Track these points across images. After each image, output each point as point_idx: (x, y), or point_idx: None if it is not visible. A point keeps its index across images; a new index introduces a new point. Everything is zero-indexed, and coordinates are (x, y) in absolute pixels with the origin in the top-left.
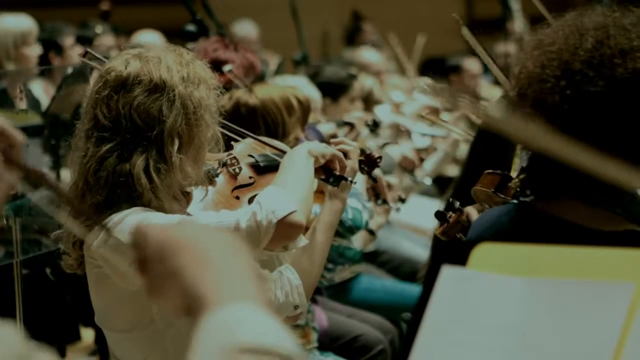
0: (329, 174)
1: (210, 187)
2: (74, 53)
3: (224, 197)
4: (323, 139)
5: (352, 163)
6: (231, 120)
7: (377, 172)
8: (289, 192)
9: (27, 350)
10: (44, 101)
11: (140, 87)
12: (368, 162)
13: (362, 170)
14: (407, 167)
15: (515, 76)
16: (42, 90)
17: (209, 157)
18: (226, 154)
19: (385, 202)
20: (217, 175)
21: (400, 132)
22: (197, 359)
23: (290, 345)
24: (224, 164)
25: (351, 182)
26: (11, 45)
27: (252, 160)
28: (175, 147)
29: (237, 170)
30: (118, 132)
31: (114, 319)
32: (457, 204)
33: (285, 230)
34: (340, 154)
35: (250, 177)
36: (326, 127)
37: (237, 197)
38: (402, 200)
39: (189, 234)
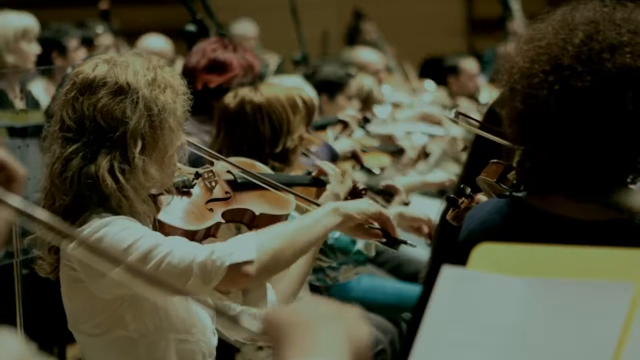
0: (388, 238)
1: (184, 197)
2: (78, 55)
3: (197, 208)
4: (337, 157)
5: (332, 187)
6: (236, 119)
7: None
8: (263, 240)
9: (27, 356)
10: (46, 101)
11: (105, 89)
12: (353, 194)
13: (346, 200)
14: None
15: (507, 71)
16: (43, 90)
17: (186, 170)
18: (204, 167)
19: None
20: (192, 187)
21: (388, 140)
22: None
23: None
24: (199, 176)
25: (412, 245)
26: (12, 38)
27: (230, 176)
28: (138, 148)
29: (213, 184)
30: (83, 133)
31: (86, 322)
32: (469, 190)
33: (235, 277)
34: (387, 213)
35: (226, 192)
36: (343, 144)
37: (211, 209)
38: (406, 205)
39: (301, 312)
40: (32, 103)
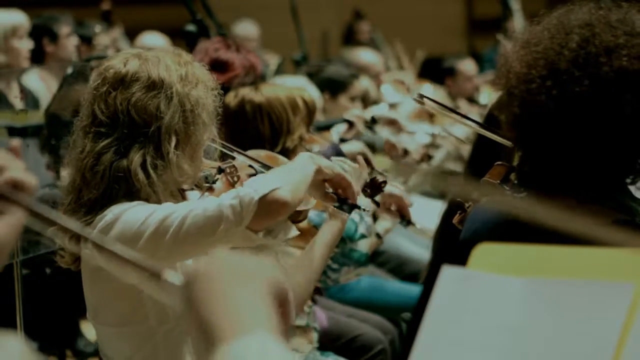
0: (341, 202)
1: (206, 193)
2: (69, 42)
3: None
4: (344, 157)
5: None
6: (236, 118)
7: (395, 190)
8: (276, 176)
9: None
10: (42, 90)
11: (138, 84)
12: (372, 186)
13: (365, 193)
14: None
15: (504, 76)
16: (39, 80)
17: (207, 164)
18: (226, 162)
19: (410, 223)
20: (214, 182)
21: (398, 130)
22: None
23: None
24: (222, 171)
25: (364, 210)
26: (1, 36)
27: (251, 170)
28: (173, 144)
29: (235, 179)
30: (115, 127)
31: (107, 313)
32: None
33: (269, 207)
34: (349, 179)
35: None
36: (351, 146)
37: None
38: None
39: (209, 263)
40: (32, 103)
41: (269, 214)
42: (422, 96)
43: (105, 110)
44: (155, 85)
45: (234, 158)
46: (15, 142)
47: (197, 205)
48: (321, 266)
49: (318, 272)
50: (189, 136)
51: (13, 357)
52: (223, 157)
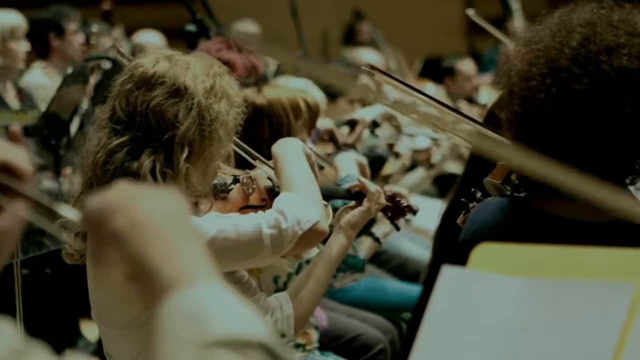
0: None
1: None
2: (76, 39)
3: (230, 212)
4: (319, 135)
5: (368, 204)
6: None
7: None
8: (307, 197)
9: (24, 347)
10: (47, 84)
11: (161, 88)
12: (394, 209)
13: (385, 214)
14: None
15: (505, 74)
16: (41, 73)
17: (224, 170)
18: (244, 171)
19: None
20: (227, 192)
21: (397, 129)
22: (168, 351)
23: (264, 333)
24: (238, 181)
25: (325, 205)
26: None
27: (269, 184)
28: (184, 155)
29: (251, 190)
30: (131, 128)
31: (112, 314)
32: (479, 194)
33: (309, 240)
34: (316, 170)
35: (262, 200)
36: (321, 123)
37: None
38: (414, 212)
39: (127, 195)
40: (30, 104)
41: (307, 245)
42: (372, 67)
43: (124, 107)
44: (178, 93)
45: (252, 167)
46: (15, 126)
47: (225, 225)
48: (325, 282)
49: (322, 288)
50: (203, 150)
51: (6, 341)
52: (241, 162)
